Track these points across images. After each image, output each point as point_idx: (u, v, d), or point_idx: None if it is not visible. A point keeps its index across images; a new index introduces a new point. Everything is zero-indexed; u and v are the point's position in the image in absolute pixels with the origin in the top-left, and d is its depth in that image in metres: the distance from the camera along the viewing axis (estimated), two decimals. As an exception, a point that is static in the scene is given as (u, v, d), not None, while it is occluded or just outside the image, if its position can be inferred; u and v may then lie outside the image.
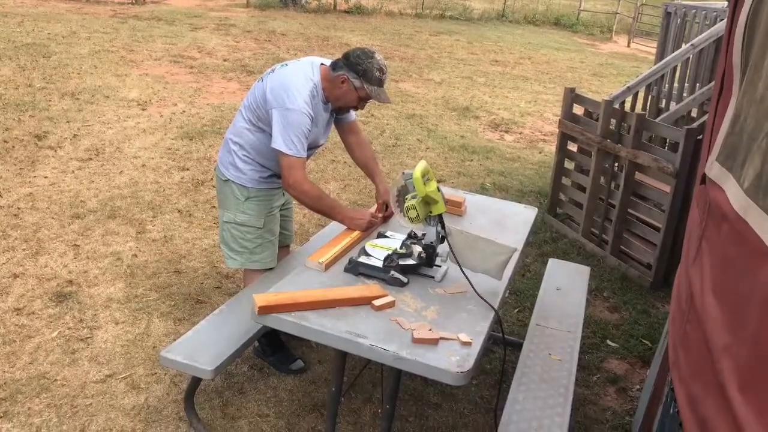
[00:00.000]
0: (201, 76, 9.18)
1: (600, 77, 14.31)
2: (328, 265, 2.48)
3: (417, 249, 2.57)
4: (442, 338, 2.08)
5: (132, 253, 4.01)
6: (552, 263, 3.50)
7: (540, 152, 7.73)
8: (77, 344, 3.11)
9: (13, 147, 5.60)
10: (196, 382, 2.54)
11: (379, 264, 2.43)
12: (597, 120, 4.90)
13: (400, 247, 2.56)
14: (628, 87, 4.98)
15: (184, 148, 6.01)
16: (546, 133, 8.74)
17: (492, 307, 2.31)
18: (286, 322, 2.11)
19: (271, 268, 2.97)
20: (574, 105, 5.04)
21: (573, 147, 5.21)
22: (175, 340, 3.16)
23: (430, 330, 2.11)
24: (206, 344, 2.42)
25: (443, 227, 2.44)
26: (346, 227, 2.80)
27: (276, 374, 3.01)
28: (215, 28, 13.63)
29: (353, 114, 3.00)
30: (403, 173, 2.48)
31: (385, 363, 2.02)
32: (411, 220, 2.39)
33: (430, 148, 7.22)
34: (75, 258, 3.89)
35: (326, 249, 2.57)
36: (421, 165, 2.36)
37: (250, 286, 2.87)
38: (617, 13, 21.65)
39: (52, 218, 4.36)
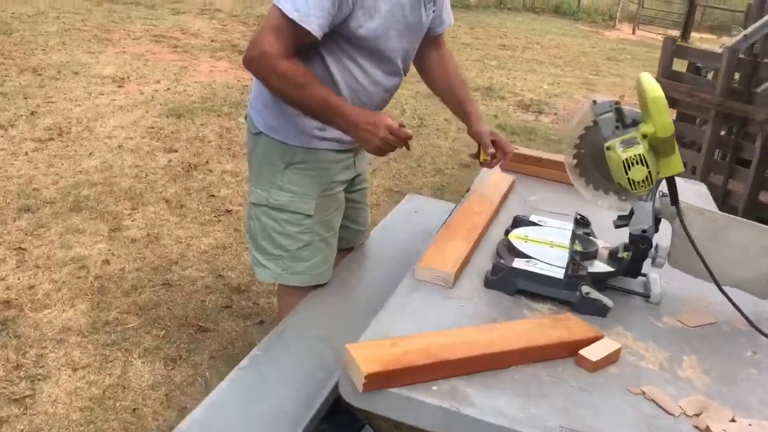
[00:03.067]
0: (187, 56, 8.02)
1: (616, 61, 13.38)
2: (456, 276, 1.34)
3: (602, 246, 1.45)
4: (771, 438, 0.95)
5: (102, 258, 2.84)
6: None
7: (586, 133, 6.66)
8: (7, 409, 1.94)
9: (-49, 126, 4.39)
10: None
11: (557, 273, 1.30)
12: (708, 76, 3.81)
13: (573, 242, 1.43)
14: (745, 35, 3.88)
15: (171, 127, 4.82)
16: (583, 115, 7.69)
17: (798, 355, 1.19)
18: (426, 408, 0.96)
19: (322, 284, 1.81)
20: (675, 59, 3.93)
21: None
22: (167, 396, 2.01)
23: (743, 423, 0.98)
24: (235, 428, 1.26)
25: (675, 201, 1.30)
26: (451, 220, 1.67)
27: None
28: (199, 13, 12.46)
29: (448, 19, 1.84)
30: (595, 102, 1.33)
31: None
32: (633, 186, 1.24)
33: (463, 128, 6.06)
34: (18, 267, 2.71)
35: (441, 247, 1.43)
36: (649, 76, 1.23)
37: (294, 314, 1.70)
38: (621, -1, 20.70)
39: (-9, 213, 3.17)
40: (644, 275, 1.41)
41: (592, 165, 1.38)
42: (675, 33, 19.25)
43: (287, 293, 1.80)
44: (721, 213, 1.34)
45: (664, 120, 1.16)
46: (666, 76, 3.92)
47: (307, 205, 1.68)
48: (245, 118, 1.76)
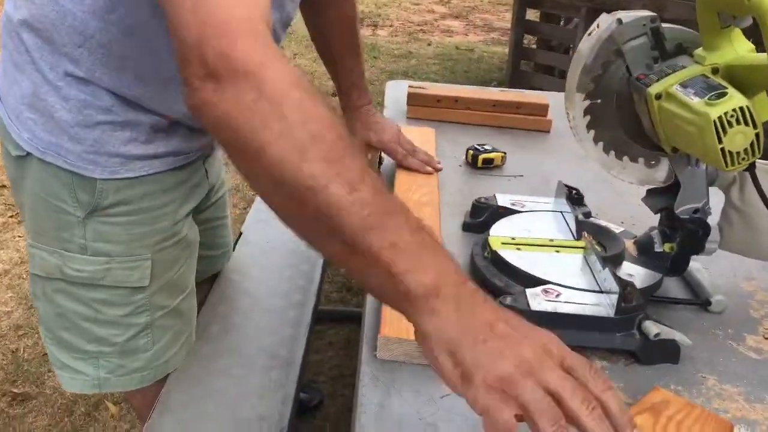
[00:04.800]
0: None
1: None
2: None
3: (619, 232, 1.00)
4: None
5: None
6: None
7: (429, 44, 6.29)
8: None
9: None
10: None
11: (601, 308, 0.81)
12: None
13: (582, 236, 0.95)
14: None
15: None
16: (418, 23, 7.28)
17: None
18: None
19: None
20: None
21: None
22: None
23: None
24: None
25: (752, 164, 0.85)
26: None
27: None
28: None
29: None
30: (620, 22, 0.82)
31: None
32: (730, 161, 0.74)
33: (299, 54, 5.45)
34: None
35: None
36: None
37: (158, 417, 1.06)
38: None
39: None
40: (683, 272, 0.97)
41: (617, 121, 0.88)
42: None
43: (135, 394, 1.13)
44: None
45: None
46: (526, -28, 3.52)
47: (136, 272, 0.97)
48: None
